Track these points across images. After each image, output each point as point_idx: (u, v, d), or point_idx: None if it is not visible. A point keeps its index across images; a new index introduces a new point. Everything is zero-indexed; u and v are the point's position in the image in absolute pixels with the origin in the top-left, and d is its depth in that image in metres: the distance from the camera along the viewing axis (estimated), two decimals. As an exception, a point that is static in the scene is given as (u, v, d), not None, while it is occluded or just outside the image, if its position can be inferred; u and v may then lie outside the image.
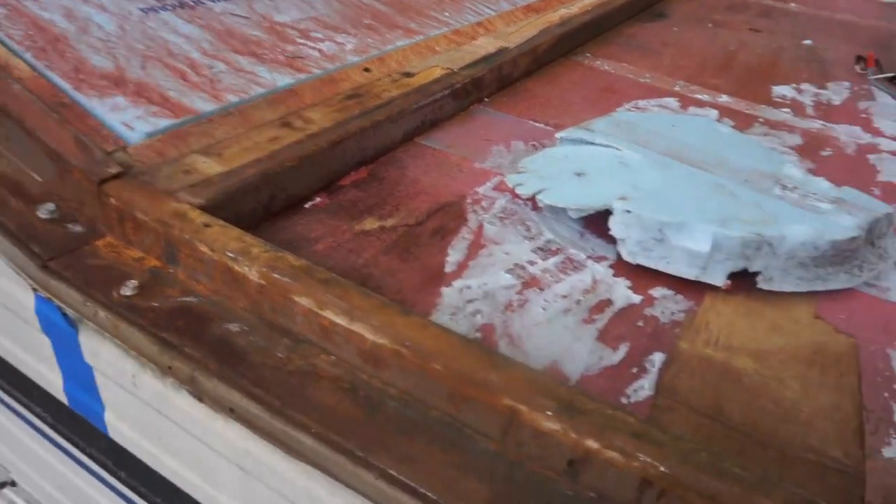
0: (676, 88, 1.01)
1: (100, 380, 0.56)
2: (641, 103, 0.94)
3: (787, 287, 0.57)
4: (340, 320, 0.45)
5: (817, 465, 0.43)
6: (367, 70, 0.80)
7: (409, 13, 0.95)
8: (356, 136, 0.68)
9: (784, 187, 0.64)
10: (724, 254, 0.56)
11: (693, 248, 0.56)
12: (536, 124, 0.84)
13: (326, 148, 0.65)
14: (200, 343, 0.48)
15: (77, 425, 0.64)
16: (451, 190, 0.69)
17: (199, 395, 0.48)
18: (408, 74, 0.81)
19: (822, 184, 0.64)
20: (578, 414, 0.38)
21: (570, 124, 0.79)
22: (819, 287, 0.58)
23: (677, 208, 0.58)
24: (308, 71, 0.75)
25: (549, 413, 0.38)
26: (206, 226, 0.52)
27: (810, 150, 0.86)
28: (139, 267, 0.54)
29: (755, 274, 0.58)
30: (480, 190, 0.69)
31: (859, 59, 1.16)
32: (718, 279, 0.57)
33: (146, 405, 0.53)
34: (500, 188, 0.69)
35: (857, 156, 0.86)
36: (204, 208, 0.55)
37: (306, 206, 0.64)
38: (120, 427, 0.58)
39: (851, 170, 0.83)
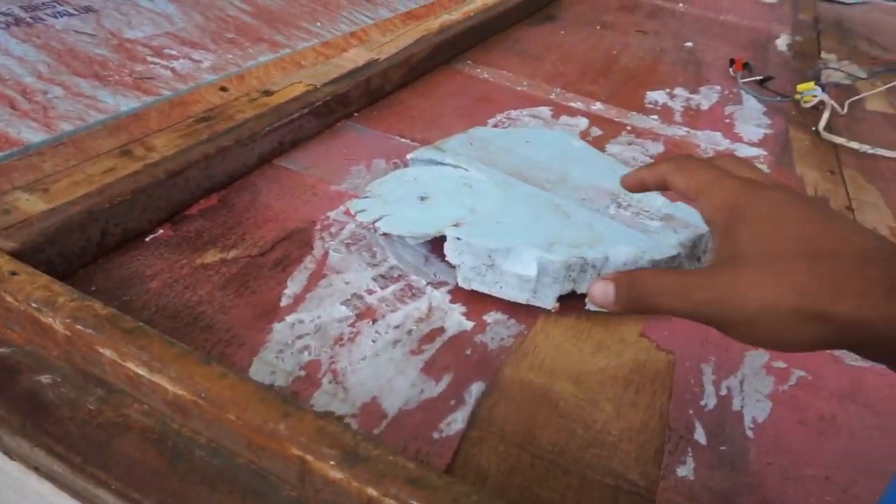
0: (552, 97, 1.03)
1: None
2: (514, 113, 0.96)
3: (615, 306, 0.60)
4: (142, 371, 0.44)
5: (613, 490, 0.46)
6: (223, 89, 0.78)
7: (277, 25, 0.93)
8: (200, 164, 0.66)
9: (619, 205, 0.66)
10: (550, 277, 0.58)
11: (521, 273, 0.57)
12: (403, 140, 0.84)
13: (164, 178, 0.63)
14: (7, 397, 0.46)
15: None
16: (301, 215, 0.68)
17: (8, 453, 0.46)
18: (267, 93, 0.80)
19: (657, 200, 0.67)
20: (361, 462, 0.38)
21: (439, 138, 0.79)
22: (646, 304, 0.60)
23: (509, 232, 0.60)
24: (157, 93, 0.73)
25: (333, 463, 0.38)
26: (13, 273, 0.50)
27: (670, 158, 0.90)
28: (-49, 316, 0.52)
29: (585, 295, 0.60)
30: (332, 214, 0.69)
31: (732, 61, 1.21)
32: (549, 302, 0.59)
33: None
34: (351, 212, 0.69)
35: (712, 163, 0.90)
36: (18, 252, 0.53)
37: (147, 239, 0.63)
38: None
39: (705, 178, 0.86)
